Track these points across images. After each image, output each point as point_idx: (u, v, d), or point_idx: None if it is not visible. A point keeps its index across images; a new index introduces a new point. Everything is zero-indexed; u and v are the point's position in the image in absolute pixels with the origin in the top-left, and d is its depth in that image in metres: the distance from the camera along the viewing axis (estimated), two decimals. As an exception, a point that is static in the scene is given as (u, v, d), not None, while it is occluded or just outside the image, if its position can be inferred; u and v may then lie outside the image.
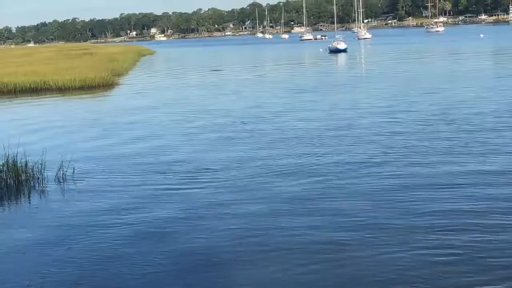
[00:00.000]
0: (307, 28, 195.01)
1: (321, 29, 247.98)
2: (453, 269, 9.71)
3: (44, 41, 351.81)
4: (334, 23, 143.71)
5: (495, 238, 10.84)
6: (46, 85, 47.62)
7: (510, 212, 12.13)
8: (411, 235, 11.21)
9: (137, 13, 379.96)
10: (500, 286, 9.04)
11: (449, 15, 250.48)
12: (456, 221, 11.81)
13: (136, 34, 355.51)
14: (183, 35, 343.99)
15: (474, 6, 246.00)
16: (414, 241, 10.92)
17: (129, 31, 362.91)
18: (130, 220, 13.12)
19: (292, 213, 12.95)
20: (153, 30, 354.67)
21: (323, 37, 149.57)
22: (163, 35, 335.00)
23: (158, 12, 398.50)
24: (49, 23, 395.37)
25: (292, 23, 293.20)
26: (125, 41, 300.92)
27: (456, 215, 12.13)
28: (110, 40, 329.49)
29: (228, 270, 10.26)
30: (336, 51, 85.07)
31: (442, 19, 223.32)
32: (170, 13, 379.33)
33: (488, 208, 12.47)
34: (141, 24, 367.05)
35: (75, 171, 17.53)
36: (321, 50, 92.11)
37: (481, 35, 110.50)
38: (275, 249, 10.98)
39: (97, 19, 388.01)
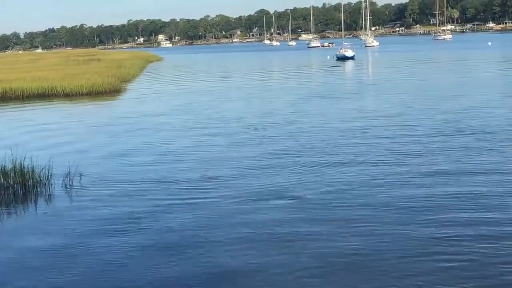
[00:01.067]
0: (315, 35, 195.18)
1: (328, 37, 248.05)
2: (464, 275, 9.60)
3: (52, 47, 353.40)
4: (341, 31, 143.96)
5: None
6: (53, 91, 47.71)
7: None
8: (426, 245, 11.11)
9: (145, 20, 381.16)
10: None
11: (457, 23, 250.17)
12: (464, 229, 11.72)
13: (144, 41, 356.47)
14: (190, 41, 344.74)
15: (481, 14, 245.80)
16: (430, 250, 10.82)
17: (136, 38, 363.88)
18: (137, 228, 13.00)
19: (307, 219, 12.85)
20: (160, 37, 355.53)
21: (330, 45, 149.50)
22: (169, 41, 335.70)
23: (166, 18, 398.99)
24: (57, 29, 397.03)
25: (300, 30, 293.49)
26: (132, 47, 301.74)
27: (466, 224, 12.04)
28: (117, 46, 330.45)
29: (240, 281, 10.14)
30: (343, 58, 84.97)
31: (449, 27, 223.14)
32: (178, 19, 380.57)
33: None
34: (148, 31, 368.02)
35: (82, 177, 17.44)
36: (328, 57, 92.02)
37: (489, 43, 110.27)
38: (287, 256, 10.87)
39: (105, 25, 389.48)
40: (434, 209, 13.16)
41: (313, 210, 13.64)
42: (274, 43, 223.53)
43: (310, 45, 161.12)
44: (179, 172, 18.10)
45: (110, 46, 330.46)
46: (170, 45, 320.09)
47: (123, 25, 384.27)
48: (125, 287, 10.09)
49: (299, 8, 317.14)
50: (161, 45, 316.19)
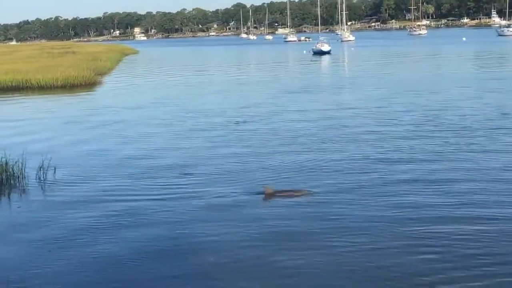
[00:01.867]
0: (291, 29, 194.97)
1: (305, 31, 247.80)
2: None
3: (27, 39, 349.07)
4: (318, 25, 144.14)
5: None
6: (28, 84, 47.23)
7: None
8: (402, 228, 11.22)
9: (121, 12, 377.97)
10: None
11: (432, 18, 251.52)
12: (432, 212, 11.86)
13: (120, 34, 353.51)
14: (167, 34, 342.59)
15: (456, 10, 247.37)
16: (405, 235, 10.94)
17: (112, 30, 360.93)
18: (111, 222, 12.95)
19: (286, 214, 12.90)
20: (136, 30, 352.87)
21: (307, 39, 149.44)
22: (143, 34, 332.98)
23: (142, 11, 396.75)
24: (32, 21, 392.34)
25: (276, 24, 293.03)
26: (108, 40, 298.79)
27: (433, 208, 12.17)
28: (93, 39, 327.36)
29: (222, 277, 10.15)
30: (320, 53, 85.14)
31: (425, 22, 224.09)
32: (154, 12, 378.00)
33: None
34: (124, 24, 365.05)
35: (56, 171, 17.31)
36: (305, 52, 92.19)
37: (464, 39, 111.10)
38: (267, 252, 10.91)
39: (80, 17, 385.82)
40: (412, 204, 13.28)
41: (292, 204, 13.69)
42: (251, 37, 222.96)
43: (287, 40, 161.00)
44: (155, 166, 18.00)
45: (86, 39, 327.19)
46: (145, 38, 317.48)
47: (99, 18, 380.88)
48: (98, 282, 10.04)
49: (276, 2, 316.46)
50: (136, 38, 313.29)
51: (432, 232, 11.47)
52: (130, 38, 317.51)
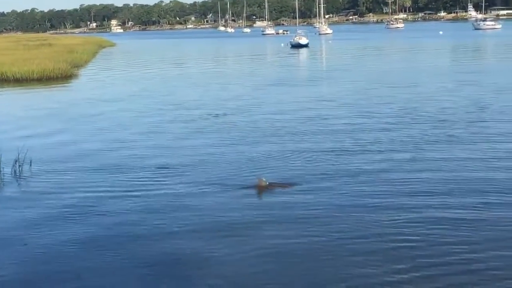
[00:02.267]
0: (269, 22, 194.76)
1: (283, 24, 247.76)
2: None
3: (2, 31, 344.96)
4: (296, 18, 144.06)
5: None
6: (3, 76, 46.75)
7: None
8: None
9: (98, 4, 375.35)
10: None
11: (409, 11, 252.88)
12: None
13: (96, 26, 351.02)
14: (144, 27, 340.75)
15: (433, 3, 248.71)
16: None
17: (89, 23, 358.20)
18: (86, 216, 12.82)
19: (262, 205, 12.88)
20: (113, 22, 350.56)
21: (285, 32, 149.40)
22: (119, 27, 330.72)
23: (119, 3, 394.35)
24: (7, 13, 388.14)
25: (254, 17, 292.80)
26: (84, 32, 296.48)
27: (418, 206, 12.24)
28: (69, 31, 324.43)
29: (191, 270, 10.10)
30: (298, 46, 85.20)
31: (402, 15, 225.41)
32: (131, 4, 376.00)
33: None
34: (101, 16, 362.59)
35: (32, 164, 17.12)
36: (282, 44, 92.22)
37: (441, 32, 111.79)
38: (240, 244, 10.89)
39: (57, 9, 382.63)
40: (389, 194, 13.37)
41: (270, 197, 13.68)
42: (229, 29, 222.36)
43: (265, 32, 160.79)
44: (132, 159, 17.88)
45: (62, 31, 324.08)
46: (121, 30, 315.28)
47: (75, 10, 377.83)
48: (71, 277, 9.90)
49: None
50: (112, 30, 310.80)
51: (407, 220, 11.57)
52: (107, 30, 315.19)
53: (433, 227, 11.31)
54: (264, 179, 14.27)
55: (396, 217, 11.85)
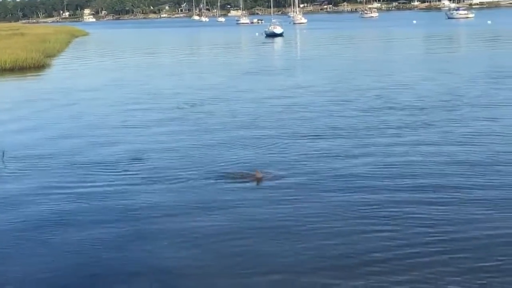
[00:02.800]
0: (244, 11, 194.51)
1: (257, 13, 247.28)
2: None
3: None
4: (270, 7, 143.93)
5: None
6: (-26, 66, 46.14)
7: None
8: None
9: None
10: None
11: (383, 1, 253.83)
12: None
13: (69, 15, 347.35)
14: (117, 16, 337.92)
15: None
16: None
17: (61, 12, 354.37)
18: (57, 207, 12.71)
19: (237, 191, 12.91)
20: (86, 11, 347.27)
21: (259, 21, 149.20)
22: (92, 16, 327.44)
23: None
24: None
25: (229, 6, 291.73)
26: (57, 21, 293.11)
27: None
28: (42, 20, 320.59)
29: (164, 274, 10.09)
30: (272, 35, 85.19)
31: (376, 5, 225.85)
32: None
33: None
34: (74, 5, 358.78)
35: (4, 154, 16.98)
36: (257, 34, 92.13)
37: (414, 21, 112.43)
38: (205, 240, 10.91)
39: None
40: (366, 177, 13.62)
41: (243, 187, 13.71)
42: (203, 19, 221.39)
43: (239, 22, 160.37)
44: (104, 150, 17.71)
45: (34, 20, 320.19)
46: (94, 19, 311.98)
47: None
48: (39, 276, 9.73)
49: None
50: (84, 19, 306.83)
51: (386, 213, 11.64)
52: (80, 19, 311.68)
53: (402, 206, 11.65)
54: (260, 171, 14.26)
55: (375, 209, 11.93)
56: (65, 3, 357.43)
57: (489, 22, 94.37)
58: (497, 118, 19.95)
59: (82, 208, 12.63)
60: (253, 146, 17.39)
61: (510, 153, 15.46)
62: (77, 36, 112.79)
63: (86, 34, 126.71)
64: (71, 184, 14.34)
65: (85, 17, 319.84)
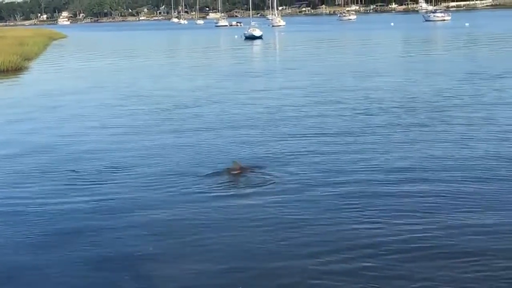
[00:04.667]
0: (222, 14, 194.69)
1: (236, 16, 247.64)
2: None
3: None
4: (249, 10, 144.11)
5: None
6: (-48, 69, 45.82)
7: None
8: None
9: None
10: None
11: (361, 3, 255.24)
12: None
13: (47, 18, 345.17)
14: (96, 19, 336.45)
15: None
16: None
17: (39, 14, 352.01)
18: (27, 216, 12.49)
19: (218, 197, 13.06)
20: (64, 14, 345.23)
21: (238, 24, 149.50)
22: (66, 19, 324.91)
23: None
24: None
25: (208, 9, 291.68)
26: (35, 24, 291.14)
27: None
28: (19, 23, 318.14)
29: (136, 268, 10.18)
30: (251, 37, 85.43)
31: (354, 7, 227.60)
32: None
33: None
34: (52, 8, 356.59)
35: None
36: (236, 36, 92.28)
37: (392, 24, 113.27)
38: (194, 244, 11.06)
39: (6, 1, 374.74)
40: (354, 181, 13.71)
41: (219, 189, 13.86)
42: (182, 21, 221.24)
43: (218, 24, 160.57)
44: (80, 154, 17.45)
45: (12, 23, 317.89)
46: (68, 22, 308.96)
47: (26, 1, 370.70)
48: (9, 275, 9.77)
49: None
50: (59, 22, 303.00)
51: (373, 207, 11.91)
52: (55, 22, 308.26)
53: (397, 212, 11.74)
54: (238, 162, 14.49)
55: (361, 203, 12.21)
56: (43, 5, 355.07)
57: (466, 24, 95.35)
58: (474, 118, 20.31)
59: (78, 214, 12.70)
60: (237, 144, 17.65)
61: (489, 152, 15.75)
62: (55, 39, 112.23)
63: (64, 36, 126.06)
64: (52, 191, 14.35)
65: (59, 20, 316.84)
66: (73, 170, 15.52)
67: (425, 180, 13.49)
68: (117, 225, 11.57)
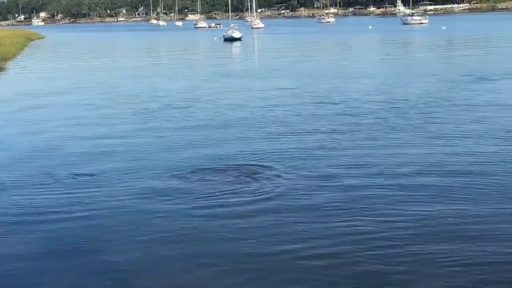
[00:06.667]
0: (201, 16, 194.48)
1: (215, 17, 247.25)
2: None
3: None
4: (228, 12, 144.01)
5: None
6: None
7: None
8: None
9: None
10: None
11: (340, 6, 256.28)
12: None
13: (25, 18, 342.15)
14: (73, 20, 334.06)
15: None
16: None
17: (16, 15, 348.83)
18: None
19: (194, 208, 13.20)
20: (42, 14, 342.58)
21: (217, 25, 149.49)
22: (40, 19, 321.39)
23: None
24: None
25: (186, 10, 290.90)
26: (12, 25, 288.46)
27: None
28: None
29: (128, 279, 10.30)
30: (231, 39, 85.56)
31: (333, 10, 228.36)
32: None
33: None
34: (29, 8, 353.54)
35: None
36: (215, 38, 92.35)
37: (370, 27, 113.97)
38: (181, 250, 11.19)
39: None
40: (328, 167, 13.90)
41: (199, 199, 13.99)
42: (161, 23, 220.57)
43: (197, 26, 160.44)
44: (57, 161, 16.93)
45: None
46: (42, 23, 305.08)
47: (3, 2, 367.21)
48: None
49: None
50: (33, 23, 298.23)
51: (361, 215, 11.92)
52: (34, 23, 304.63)
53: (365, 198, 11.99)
54: None
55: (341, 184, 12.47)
56: (20, 6, 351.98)
57: (443, 27, 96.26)
58: (451, 119, 20.65)
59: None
60: (222, 144, 17.82)
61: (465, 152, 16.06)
62: (32, 40, 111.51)
63: (42, 37, 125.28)
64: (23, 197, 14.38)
65: (33, 20, 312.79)
66: (51, 175, 15.23)
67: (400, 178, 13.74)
68: (98, 234, 11.40)
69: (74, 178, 14.76)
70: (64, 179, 14.72)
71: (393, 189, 13.13)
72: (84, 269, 9.76)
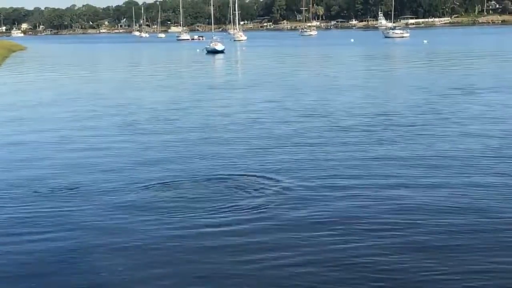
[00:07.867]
0: (184, 28, 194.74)
1: (198, 30, 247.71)
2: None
3: None
4: (211, 24, 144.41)
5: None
6: None
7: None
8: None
9: (7, 7, 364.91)
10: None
11: (322, 19, 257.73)
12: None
13: (6, 30, 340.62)
14: (56, 31, 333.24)
15: (345, 12, 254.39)
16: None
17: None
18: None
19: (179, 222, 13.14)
20: (24, 26, 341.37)
21: (200, 38, 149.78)
22: (19, 31, 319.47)
23: (30, 7, 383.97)
24: None
25: (169, 22, 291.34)
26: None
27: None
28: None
29: None
30: (214, 52, 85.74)
31: (315, 23, 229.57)
32: (43, 8, 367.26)
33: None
34: (11, 19, 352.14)
35: None
36: (198, 50, 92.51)
37: (352, 40, 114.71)
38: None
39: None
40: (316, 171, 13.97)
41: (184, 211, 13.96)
42: (143, 34, 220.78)
43: (180, 38, 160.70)
44: (39, 174, 16.69)
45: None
46: (21, 34, 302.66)
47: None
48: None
49: (168, 0, 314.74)
50: (12, 34, 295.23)
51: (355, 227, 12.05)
52: (15, 34, 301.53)
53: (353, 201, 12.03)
54: None
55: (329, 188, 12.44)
56: (1, 17, 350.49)
57: (425, 41, 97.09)
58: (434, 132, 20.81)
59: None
60: (207, 156, 17.79)
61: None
62: (14, 51, 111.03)
63: (23, 48, 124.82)
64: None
65: (12, 32, 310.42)
66: (29, 188, 15.06)
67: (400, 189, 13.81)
68: (76, 247, 11.28)
69: (52, 191, 14.63)
70: (42, 192, 14.61)
71: (381, 200, 13.25)
72: (61, 283, 9.70)
